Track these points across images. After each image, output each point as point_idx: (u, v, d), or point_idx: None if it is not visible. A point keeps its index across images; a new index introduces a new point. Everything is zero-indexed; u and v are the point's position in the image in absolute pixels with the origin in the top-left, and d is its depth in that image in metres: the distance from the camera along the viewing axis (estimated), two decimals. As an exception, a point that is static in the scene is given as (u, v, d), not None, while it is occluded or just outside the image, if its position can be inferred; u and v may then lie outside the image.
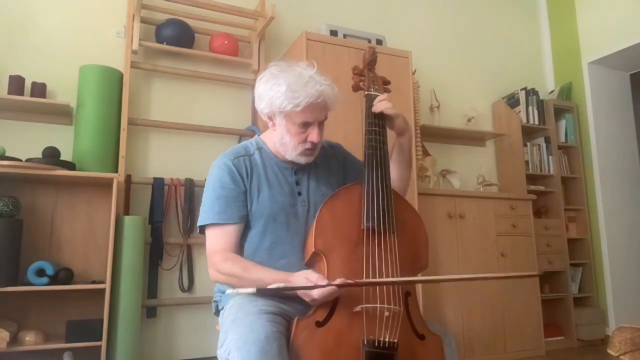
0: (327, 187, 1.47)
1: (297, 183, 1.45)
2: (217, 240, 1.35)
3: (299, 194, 1.44)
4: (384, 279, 1.22)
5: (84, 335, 2.29)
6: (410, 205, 1.44)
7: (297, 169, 1.47)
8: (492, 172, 3.95)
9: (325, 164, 1.53)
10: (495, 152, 4.01)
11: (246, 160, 1.42)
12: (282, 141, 1.39)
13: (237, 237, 1.37)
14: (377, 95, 1.48)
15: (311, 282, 1.15)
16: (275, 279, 1.21)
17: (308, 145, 1.38)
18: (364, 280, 1.21)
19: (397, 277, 1.24)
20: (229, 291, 1.13)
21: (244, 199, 1.38)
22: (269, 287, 1.13)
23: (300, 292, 1.18)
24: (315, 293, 1.12)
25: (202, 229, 1.41)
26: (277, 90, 1.33)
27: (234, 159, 1.41)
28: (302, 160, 1.41)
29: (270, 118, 1.41)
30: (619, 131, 4.11)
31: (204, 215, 1.38)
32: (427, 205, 3.05)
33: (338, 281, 1.14)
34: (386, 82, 1.59)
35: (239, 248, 1.38)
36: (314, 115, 1.35)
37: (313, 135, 1.36)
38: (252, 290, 1.09)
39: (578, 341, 3.61)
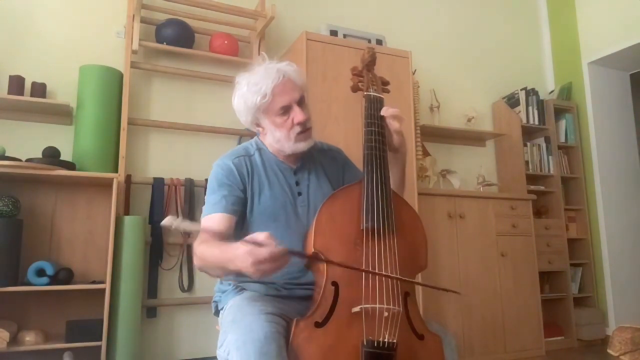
0: (327, 187, 1.47)
1: (297, 183, 1.46)
2: (204, 227, 1.35)
3: (299, 194, 1.44)
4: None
5: (84, 335, 2.29)
6: (409, 205, 1.43)
7: (297, 169, 1.47)
8: (492, 172, 3.95)
9: (326, 164, 1.53)
10: (495, 152, 4.01)
11: (247, 160, 1.44)
12: (275, 139, 1.41)
13: (226, 225, 1.34)
14: (377, 96, 1.47)
15: (257, 240, 1.05)
16: (222, 250, 1.16)
17: (297, 129, 1.39)
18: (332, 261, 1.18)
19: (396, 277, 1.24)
20: (166, 220, 1.05)
21: (240, 195, 1.38)
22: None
23: (246, 251, 1.06)
24: (265, 250, 1.03)
25: None
26: (241, 93, 1.38)
27: (234, 158, 1.43)
28: (301, 146, 1.41)
29: (257, 124, 1.44)
30: (619, 131, 4.11)
31: (204, 211, 1.39)
32: (427, 205, 3.05)
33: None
34: (385, 83, 1.57)
35: (228, 238, 1.34)
36: (287, 96, 1.37)
37: (297, 116, 1.38)
38: (197, 226, 1.20)
39: (578, 341, 3.61)
